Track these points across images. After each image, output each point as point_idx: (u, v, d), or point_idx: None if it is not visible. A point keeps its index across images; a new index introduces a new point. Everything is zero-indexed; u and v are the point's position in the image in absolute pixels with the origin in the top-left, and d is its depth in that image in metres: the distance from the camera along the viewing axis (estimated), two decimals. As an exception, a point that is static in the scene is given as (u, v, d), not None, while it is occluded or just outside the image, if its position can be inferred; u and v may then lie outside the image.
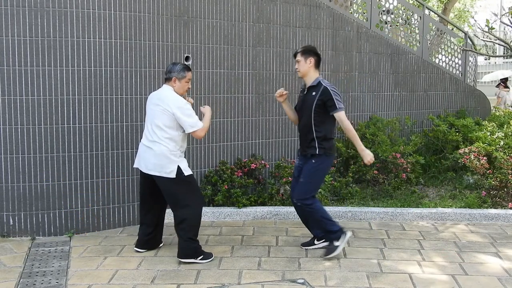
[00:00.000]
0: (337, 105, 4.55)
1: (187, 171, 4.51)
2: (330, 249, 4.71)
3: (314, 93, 4.61)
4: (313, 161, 4.67)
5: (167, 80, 4.59)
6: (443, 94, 8.59)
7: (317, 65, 4.71)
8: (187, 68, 4.61)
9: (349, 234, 4.78)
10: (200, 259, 4.54)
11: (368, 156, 4.61)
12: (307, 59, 4.67)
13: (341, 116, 4.58)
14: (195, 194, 4.59)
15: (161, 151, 4.43)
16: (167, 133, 4.44)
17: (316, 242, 4.94)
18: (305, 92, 4.75)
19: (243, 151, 6.42)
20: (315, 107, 4.59)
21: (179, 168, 4.45)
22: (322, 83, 4.61)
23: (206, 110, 4.69)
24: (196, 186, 4.65)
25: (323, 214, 4.72)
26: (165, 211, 4.93)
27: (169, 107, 4.41)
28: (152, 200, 4.75)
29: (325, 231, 4.76)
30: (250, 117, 6.39)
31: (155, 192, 4.66)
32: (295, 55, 4.77)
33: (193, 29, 5.91)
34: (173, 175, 4.44)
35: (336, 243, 4.69)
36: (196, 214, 4.56)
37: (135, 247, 4.90)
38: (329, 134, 4.67)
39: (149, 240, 4.87)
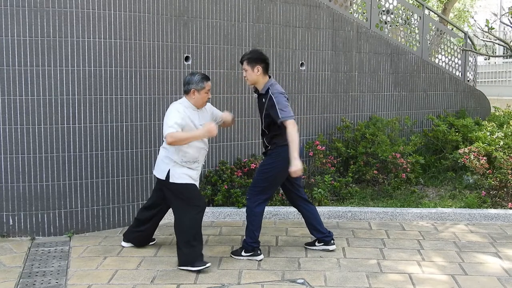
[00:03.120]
0: (280, 114, 4.36)
1: (175, 178, 4.38)
2: (236, 252, 4.73)
3: (264, 100, 4.55)
4: (265, 158, 4.71)
5: (186, 92, 4.46)
6: (443, 94, 8.59)
7: (266, 71, 4.54)
8: (206, 78, 4.47)
9: (260, 257, 4.65)
10: (195, 268, 4.38)
11: (297, 165, 4.34)
12: (254, 67, 4.48)
13: (286, 123, 4.37)
14: (186, 202, 4.43)
15: (161, 155, 4.53)
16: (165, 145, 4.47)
17: (317, 244, 4.94)
18: (257, 97, 4.70)
19: (243, 151, 6.43)
20: (265, 116, 4.56)
21: (168, 172, 4.41)
22: (269, 91, 4.49)
23: (211, 125, 4.34)
24: (191, 194, 4.46)
25: (255, 225, 4.64)
26: (163, 215, 4.93)
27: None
28: (157, 199, 4.77)
29: (245, 238, 4.71)
30: (250, 117, 6.39)
31: (163, 194, 4.67)
32: (241, 62, 4.58)
33: (193, 29, 5.91)
34: (163, 176, 4.44)
35: (243, 253, 4.66)
36: (187, 221, 4.41)
37: (123, 240, 5.00)
38: (282, 136, 4.53)
39: (137, 236, 4.93)
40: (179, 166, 4.41)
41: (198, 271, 4.35)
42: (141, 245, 4.98)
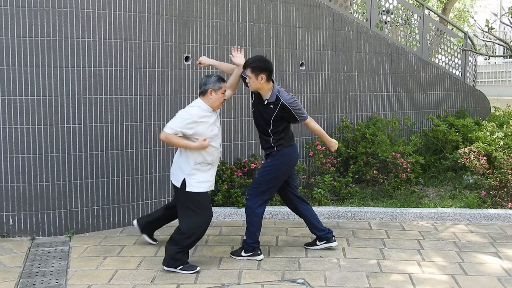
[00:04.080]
0: (299, 119, 4.64)
1: (192, 187, 4.37)
2: (236, 252, 4.73)
3: (272, 107, 4.54)
4: (269, 159, 4.71)
5: (202, 93, 4.44)
6: (443, 94, 8.59)
7: (269, 78, 4.54)
8: (221, 79, 4.49)
9: (260, 257, 4.66)
10: (178, 269, 4.37)
11: (335, 145, 4.96)
12: (258, 76, 4.45)
13: (305, 122, 4.78)
14: (197, 212, 4.40)
15: (177, 160, 4.50)
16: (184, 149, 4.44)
17: (318, 243, 4.94)
18: (260, 102, 4.63)
19: (243, 151, 6.42)
20: (273, 121, 4.56)
21: (184, 181, 4.38)
22: (281, 98, 4.50)
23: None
24: (201, 205, 4.42)
25: (256, 226, 4.67)
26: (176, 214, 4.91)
27: None
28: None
29: (245, 239, 4.72)
30: (250, 117, 6.38)
31: None
32: (244, 67, 4.56)
33: (193, 29, 5.91)
34: (178, 184, 4.41)
35: (243, 253, 4.67)
36: (191, 230, 4.38)
37: (137, 221, 5.08)
38: (287, 138, 4.67)
39: (147, 224, 5.04)
40: (193, 174, 4.38)
41: (198, 272, 4.36)
42: (143, 229, 5.04)
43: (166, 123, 4.42)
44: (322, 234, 4.90)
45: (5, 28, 5.04)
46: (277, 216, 5.95)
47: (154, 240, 5.10)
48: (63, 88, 5.23)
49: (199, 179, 4.39)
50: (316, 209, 5.71)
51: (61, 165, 5.28)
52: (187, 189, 4.37)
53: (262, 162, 6.29)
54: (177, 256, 4.37)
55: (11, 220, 5.23)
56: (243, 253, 4.66)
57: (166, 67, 5.73)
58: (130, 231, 5.47)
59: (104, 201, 5.49)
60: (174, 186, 4.50)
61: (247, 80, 4.57)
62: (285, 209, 5.91)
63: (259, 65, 4.49)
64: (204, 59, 4.95)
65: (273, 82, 4.60)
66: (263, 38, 6.46)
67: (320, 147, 6.61)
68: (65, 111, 5.25)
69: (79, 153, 5.33)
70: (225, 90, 4.51)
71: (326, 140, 4.94)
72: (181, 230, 4.41)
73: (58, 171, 5.28)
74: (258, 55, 4.80)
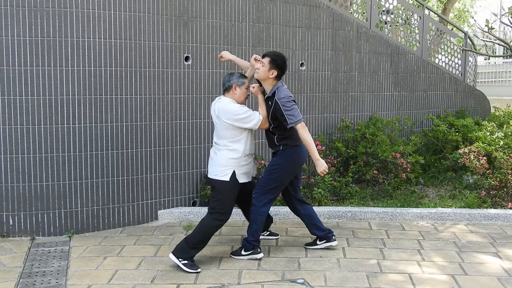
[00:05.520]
0: (288, 121, 4.46)
1: (241, 178, 4.51)
2: (236, 252, 4.73)
3: (269, 103, 4.57)
4: (275, 158, 4.71)
5: (227, 90, 4.54)
6: (443, 94, 8.60)
7: (278, 77, 4.58)
8: (244, 76, 4.62)
9: (260, 256, 4.66)
10: (181, 263, 4.39)
11: (322, 166, 4.54)
12: (271, 69, 4.51)
13: (296, 127, 4.50)
14: (222, 214, 4.49)
15: (219, 157, 4.49)
16: (228, 143, 4.47)
17: (318, 242, 4.94)
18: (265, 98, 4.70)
19: (243, 151, 6.41)
20: (271, 118, 4.59)
21: (234, 174, 4.45)
22: (275, 95, 4.51)
23: (257, 92, 4.63)
24: (231, 205, 4.54)
25: (259, 224, 4.67)
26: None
27: (226, 119, 4.42)
28: (240, 199, 4.78)
29: (246, 237, 4.72)
30: (250, 117, 6.38)
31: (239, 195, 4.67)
32: (264, 55, 4.59)
33: (193, 29, 5.91)
34: (227, 178, 4.44)
35: (243, 252, 4.67)
36: (212, 224, 4.50)
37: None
38: (292, 137, 4.63)
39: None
40: (242, 166, 4.51)
41: (198, 272, 4.36)
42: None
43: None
44: (323, 234, 4.91)
45: (5, 28, 5.04)
46: (277, 216, 5.95)
47: (275, 234, 5.23)
48: (63, 88, 5.23)
49: (244, 170, 4.55)
50: (316, 209, 5.70)
51: (61, 165, 5.28)
52: (240, 180, 4.49)
53: (262, 162, 6.32)
54: (185, 249, 4.42)
55: (11, 220, 5.23)
56: (243, 252, 4.66)
57: (166, 67, 5.73)
58: (130, 231, 5.47)
59: (104, 201, 5.49)
60: (218, 182, 4.46)
61: (257, 66, 4.56)
62: (285, 209, 5.91)
63: (278, 61, 4.55)
64: (226, 54, 5.00)
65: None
66: (263, 38, 6.46)
67: (320, 147, 6.61)
68: (65, 111, 5.25)
69: (79, 153, 5.33)
70: (248, 87, 4.61)
71: (313, 157, 4.55)
72: (200, 223, 4.51)
73: (58, 171, 5.28)
74: (282, 54, 4.80)
